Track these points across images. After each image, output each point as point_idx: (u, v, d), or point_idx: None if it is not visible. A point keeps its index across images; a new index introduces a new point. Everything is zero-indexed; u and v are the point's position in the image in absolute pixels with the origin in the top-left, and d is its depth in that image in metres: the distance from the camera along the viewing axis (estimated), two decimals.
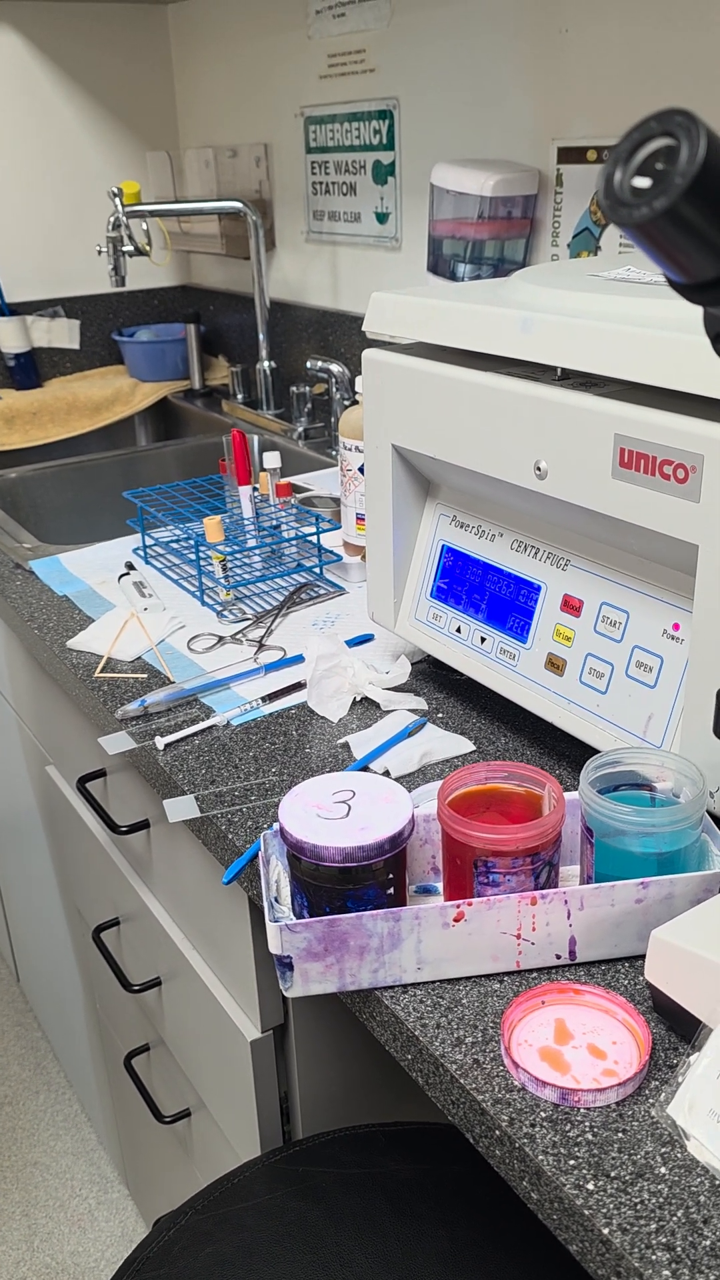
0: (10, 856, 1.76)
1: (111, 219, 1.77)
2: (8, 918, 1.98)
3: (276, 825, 0.70)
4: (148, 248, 1.83)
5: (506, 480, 0.81)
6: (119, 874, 1.17)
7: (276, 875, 0.70)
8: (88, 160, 2.17)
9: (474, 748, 0.91)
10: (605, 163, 0.34)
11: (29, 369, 2.18)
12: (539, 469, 0.78)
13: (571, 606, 0.82)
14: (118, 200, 1.75)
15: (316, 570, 1.26)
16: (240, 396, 2.06)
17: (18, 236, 2.15)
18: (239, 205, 1.83)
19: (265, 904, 0.66)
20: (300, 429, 1.82)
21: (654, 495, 0.69)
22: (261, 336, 1.91)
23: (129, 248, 1.79)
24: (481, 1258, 0.82)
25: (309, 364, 1.71)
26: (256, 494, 1.31)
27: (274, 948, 0.64)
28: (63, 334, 2.24)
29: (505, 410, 0.79)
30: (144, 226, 1.87)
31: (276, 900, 0.69)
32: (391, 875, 0.65)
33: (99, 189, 2.20)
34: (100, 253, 1.79)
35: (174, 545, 1.33)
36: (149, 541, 1.35)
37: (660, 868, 0.67)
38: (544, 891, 0.64)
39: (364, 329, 0.92)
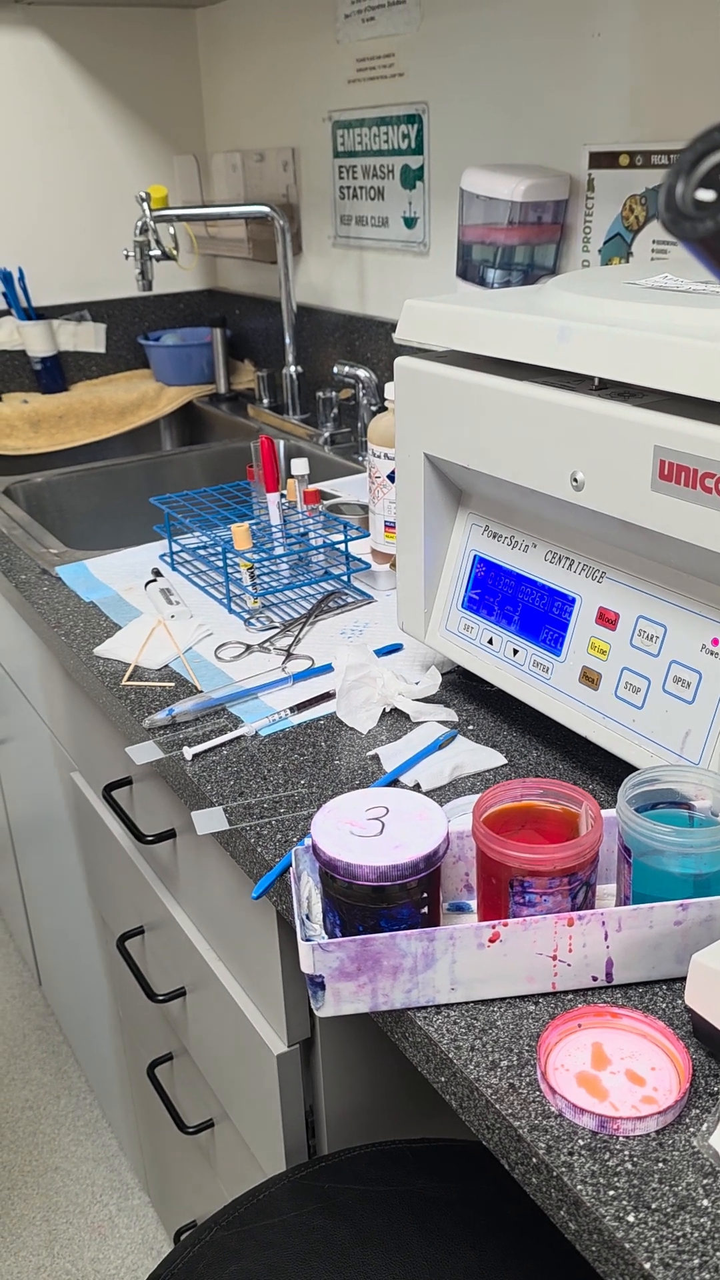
0: (36, 862, 1.76)
1: (139, 223, 1.76)
2: (31, 923, 1.98)
3: (308, 841, 0.69)
4: (174, 252, 1.82)
5: (542, 491, 0.80)
6: (144, 883, 1.16)
7: (308, 892, 0.69)
8: (115, 164, 2.17)
9: (505, 761, 0.90)
10: (666, 173, 0.33)
11: (55, 373, 2.19)
12: (576, 480, 0.76)
13: (607, 619, 0.81)
14: (145, 205, 1.75)
15: (344, 578, 1.25)
16: (266, 401, 2.06)
17: (45, 240, 2.15)
18: (266, 209, 1.82)
19: (296, 921, 0.65)
20: (327, 434, 1.82)
21: (694, 508, 0.68)
22: (288, 341, 1.91)
23: (156, 252, 1.78)
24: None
25: (336, 369, 1.70)
26: (284, 501, 1.30)
27: (306, 967, 0.63)
28: (89, 338, 2.24)
29: (541, 420, 0.78)
30: (170, 231, 1.86)
31: (308, 918, 0.68)
32: (426, 894, 0.64)
33: (126, 193, 2.20)
34: (127, 257, 1.79)
35: (201, 552, 1.32)
36: (176, 548, 1.34)
37: (699, 889, 0.65)
38: (581, 913, 0.63)
39: (395, 337, 0.91)
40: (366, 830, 0.64)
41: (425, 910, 0.64)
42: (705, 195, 0.32)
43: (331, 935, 0.66)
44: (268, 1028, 0.95)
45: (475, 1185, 0.89)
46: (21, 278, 2.12)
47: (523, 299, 0.87)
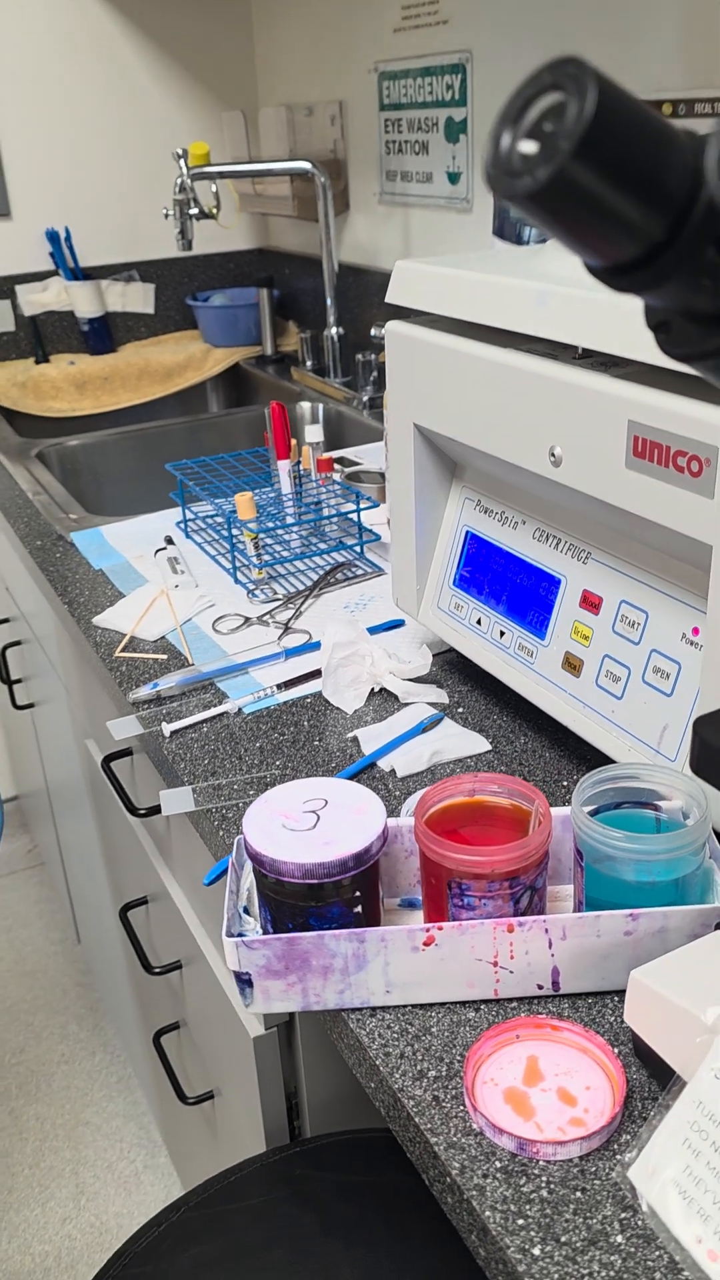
0: (69, 823, 1.78)
1: (178, 181, 1.73)
2: (69, 881, 2.00)
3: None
4: (214, 210, 1.78)
5: (522, 466, 0.75)
6: (144, 854, 1.15)
7: (249, 883, 0.66)
8: (166, 121, 2.14)
9: (489, 747, 0.86)
10: (494, 123, 0.29)
11: (103, 334, 2.17)
12: (554, 455, 0.72)
13: (591, 603, 0.76)
14: (183, 162, 1.72)
15: (357, 549, 1.21)
16: (309, 363, 2.02)
17: (94, 200, 2.13)
18: (307, 166, 1.77)
19: (226, 914, 0.62)
20: (365, 397, 1.77)
21: (667, 488, 0.63)
22: (329, 302, 1.86)
23: (195, 211, 1.75)
24: None
25: (374, 331, 1.65)
26: (299, 468, 1.26)
27: (231, 964, 0.61)
28: (137, 298, 2.22)
29: (521, 390, 0.73)
30: (213, 188, 1.83)
31: (246, 911, 0.65)
32: (359, 893, 0.61)
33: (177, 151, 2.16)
34: (166, 216, 1.76)
35: (211, 520, 1.30)
36: (190, 515, 1.32)
37: (656, 897, 0.61)
38: (522, 919, 0.59)
39: (387, 300, 0.86)
40: (300, 824, 0.62)
41: (359, 909, 0.61)
42: (528, 147, 0.28)
43: (266, 931, 0.64)
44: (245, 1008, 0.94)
45: None
46: (69, 237, 2.10)
47: (519, 261, 0.82)
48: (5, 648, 1.83)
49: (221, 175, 1.75)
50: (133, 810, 1.05)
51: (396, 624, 1.05)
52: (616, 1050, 0.59)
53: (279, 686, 0.95)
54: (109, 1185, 1.77)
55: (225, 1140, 1.20)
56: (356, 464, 1.44)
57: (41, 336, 2.15)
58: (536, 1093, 0.56)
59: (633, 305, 0.64)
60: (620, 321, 0.65)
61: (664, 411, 0.62)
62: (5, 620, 1.88)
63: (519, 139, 0.28)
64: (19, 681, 1.88)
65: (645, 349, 0.63)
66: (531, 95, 0.28)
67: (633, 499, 0.66)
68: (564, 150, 0.26)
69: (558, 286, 0.70)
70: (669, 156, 0.28)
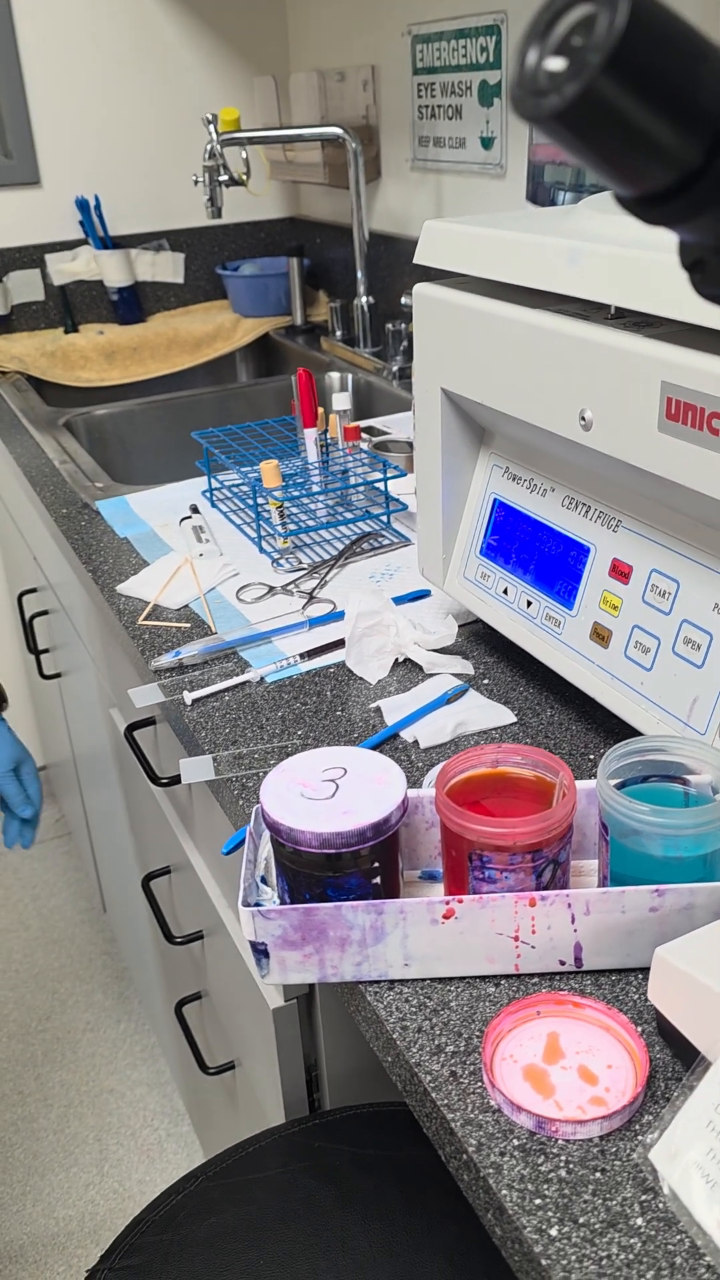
0: (95, 792, 1.78)
1: (207, 148, 1.71)
2: (95, 850, 2.01)
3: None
4: (244, 177, 1.76)
5: (552, 431, 0.73)
6: (167, 824, 1.15)
7: (267, 853, 0.65)
8: (196, 88, 2.11)
9: (515, 719, 0.84)
10: (521, 39, 0.27)
11: (132, 303, 2.16)
12: (584, 419, 0.70)
13: (620, 572, 0.74)
14: (212, 128, 1.69)
15: (383, 519, 1.20)
16: (339, 333, 1.99)
17: (124, 168, 2.11)
18: (338, 131, 1.74)
19: (243, 884, 0.61)
20: (395, 368, 1.75)
21: (701, 452, 0.61)
22: (359, 272, 1.83)
23: (225, 177, 1.73)
24: (487, 1260, 0.77)
25: (404, 300, 1.63)
26: (326, 437, 1.25)
27: (248, 933, 0.60)
28: (167, 268, 2.20)
29: (551, 352, 0.71)
30: (242, 155, 1.80)
31: (263, 880, 0.64)
32: (377, 864, 0.60)
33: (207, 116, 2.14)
34: (196, 183, 1.74)
35: (236, 489, 1.29)
36: (216, 484, 1.31)
37: (683, 873, 0.60)
38: (544, 893, 0.58)
39: (415, 260, 0.84)
40: (318, 792, 0.60)
41: (378, 880, 0.60)
42: (555, 64, 0.26)
43: (283, 901, 0.63)
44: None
45: None
46: (98, 206, 2.09)
47: (550, 221, 0.80)
48: (33, 617, 1.83)
49: (252, 141, 1.72)
50: (155, 779, 1.04)
51: (422, 594, 1.04)
52: (640, 1029, 0.57)
53: (302, 656, 0.94)
54: (132, 1152, 1.78)
55: (246, 1111, 1.20)
56: (385, 433, 1.42)
57: (71, 306, 2.13)
58: (557, 1070, 0.55)
59: (668, 262, 0.62)
60: (655, 280, 0.63)
61: (699, 372, 0.60)
62: (33, 590, 1.88)
63: (546, 56, 0.26)
64: (46, 651, 1.89)
65: (680, 308, 0.61)
66: (560, 8, 0.26)
67: (665, 463, 0.64)
68: (593, 64, 0.25)
69: (590, 244, 0.68)
70: (707, 75, 0.26)
